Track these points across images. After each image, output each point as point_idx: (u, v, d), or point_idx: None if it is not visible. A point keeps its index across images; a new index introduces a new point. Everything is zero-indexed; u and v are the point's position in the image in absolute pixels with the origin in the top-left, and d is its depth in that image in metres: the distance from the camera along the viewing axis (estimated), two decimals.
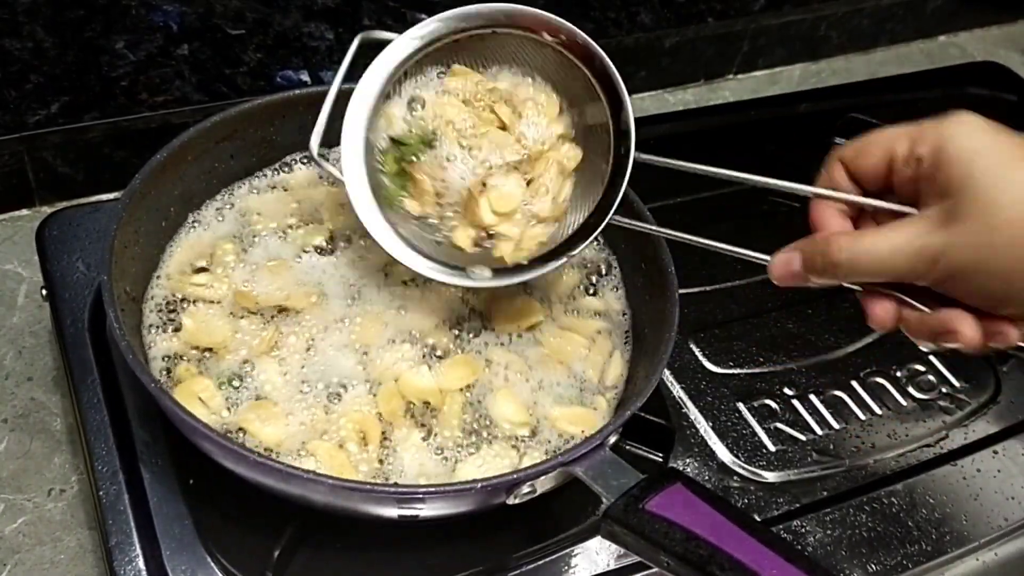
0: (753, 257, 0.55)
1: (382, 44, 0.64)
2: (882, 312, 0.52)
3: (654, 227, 0.63)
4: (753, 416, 0.74)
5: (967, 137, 0.48)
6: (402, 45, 0.64)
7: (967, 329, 0.49)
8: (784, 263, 0.53)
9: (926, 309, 0.50)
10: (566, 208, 0.64)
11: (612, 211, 0.61)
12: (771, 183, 0.58)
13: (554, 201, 0.63)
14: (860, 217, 0.54)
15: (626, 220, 0.62)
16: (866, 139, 0.53)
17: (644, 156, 0.62)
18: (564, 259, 0.61)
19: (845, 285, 0.52)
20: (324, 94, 0.72)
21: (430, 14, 0.88)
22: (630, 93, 0.63)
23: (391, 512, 0.56)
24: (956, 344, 0.50)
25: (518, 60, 0.65)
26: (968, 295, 0.49)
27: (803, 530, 0.68)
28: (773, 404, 0.75)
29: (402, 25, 0.89)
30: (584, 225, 0.62)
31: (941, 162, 0.48)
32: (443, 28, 0.64)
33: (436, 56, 0.64)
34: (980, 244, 0.46)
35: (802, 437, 0.74)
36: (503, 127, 0.64)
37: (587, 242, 0.61)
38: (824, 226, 0.54)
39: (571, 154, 0.64)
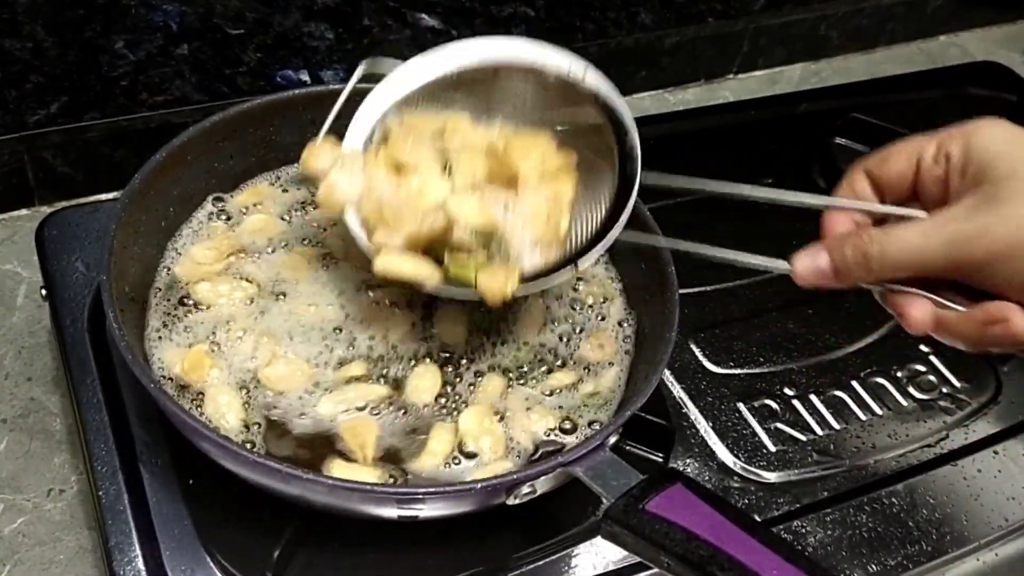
0: (768, 266, 0.54)
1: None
2: (920, 313, 0.50)
3: (663, 240, 0.63)
4: (753, 416, 0.74)
5: (999, 129, 0.49)
6: (404, 74, 0.64)
7: (1019, 317, 0.47)
8: (810, 260, 0.52)
9: (961, 308, 0.49)
10: (565, 236, 0.63)
11: (619, 228, 0.61)
12: (785, 199, 0.57)
13: (554, 231, 0.62)
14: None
15: (635, 236, 0.62)
16: (891, 147, 0.53)
17: (653, 177, 0.62)
18: (569, 268, 0.61)
19: (869, 288, 0.51)
20: (324, 95, 0.72)
21: (429, 14, 0.89)
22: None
23: (391, 512, 0.56)
24: (1006, 337, 0.48)
25: (520, 91, 0.65)
26: (1006, 282, 0.47)
27: (803, 530, 0.68)
28: (773, 404, 0.75)
29: (402, 25, 0.89)
30: (591, 241, 0.62)
31: (972, 155, 0.49)
32: (446, 64, 0.63)
33: (435, 88, 0.64)
34: (1020, 224, 0.46)
35: (802, 437, 0.74)
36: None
37: (593, 258, 0.61)
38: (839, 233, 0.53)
39: (566, 188, 0.63)
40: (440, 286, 0.61)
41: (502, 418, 0.63)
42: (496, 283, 0.59)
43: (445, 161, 0.62)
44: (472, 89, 0.64)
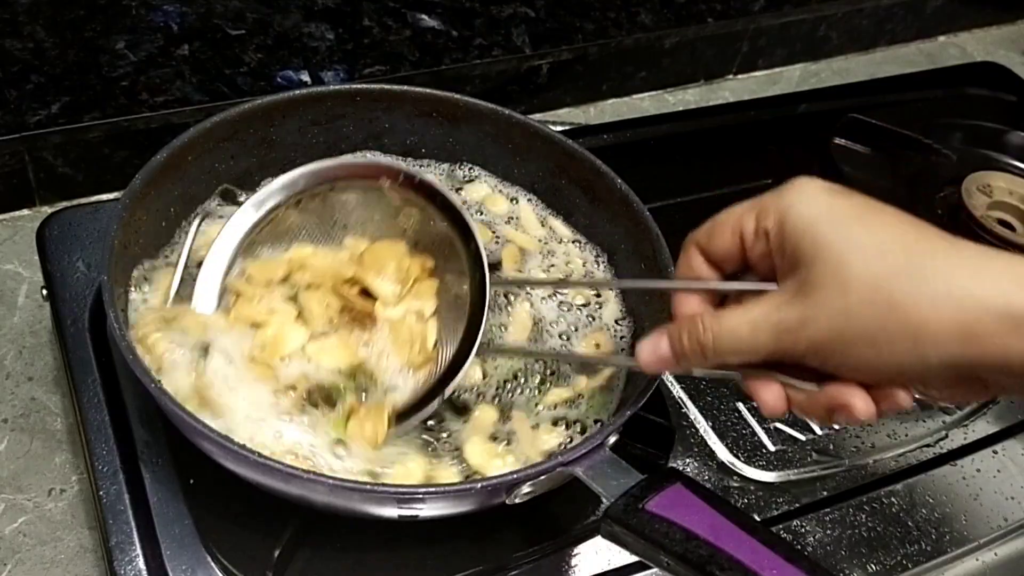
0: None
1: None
2: (771, 397, 0.49)
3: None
4: (753, 416, 0.74)
5: (806, 204, 0.47)
6: (242, 218, 0.64)
7: (858, 401, 0.47)
8: (652, 349, 0.51)
9: (812, 386, 0.48)
10: (434, 349, 0.63)
11: (478, 341, 0.60)
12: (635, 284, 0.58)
13: (421, 349, 0.62)
14: (724, 303, 0.52)
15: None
16: (715, 220, 0.51)
17: (500, 279, 0.64)
18: (438, 399, 0.60)
19: (720, 373, 0.50)
20: (324, 95, 0.72)
21: (429, 15, 0.89)
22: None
23: (391, 512, 0.56)
24: (850, 421, 0.47)
25: (361, 205, 0.66)
26: (842, 368, 0.46)
27: (803, 530, 0.68)
28: None
29: (402, 26, 0.89)
30: (455, 357, 0.62)
31: (786, 233, 0.47)
32: (280, 196, 0.64)
33: (278, 223, 0.65)
34: (836, 311, 0.45)
35: (802, 437, 0.74)
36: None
37: (459, 376, 0.60)
38: (688, 314, 0.52)
39: (427, 301, 0.64)
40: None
41: (509, 442, 0.63)
42: (366, 432, 0.59)
43: (298, 305, 0.63)
44: (313, 215, 0.65)
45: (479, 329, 0.61)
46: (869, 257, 0.45)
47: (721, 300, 0.53)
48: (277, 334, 0.61)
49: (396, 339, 0.62)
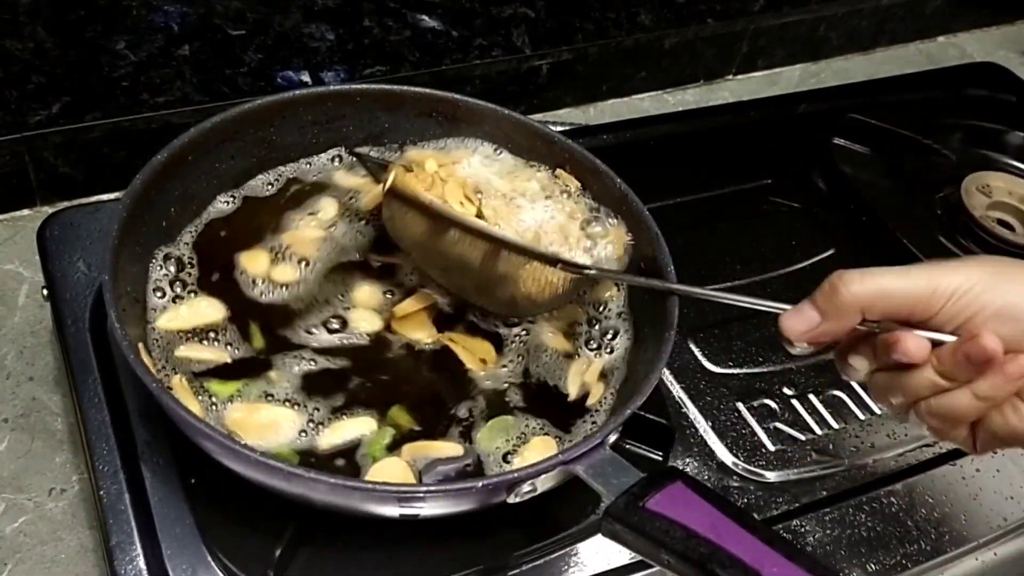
0: (772, 307, 0.55)
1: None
2: (913, 345, 0.50)
3: (673, 285, 0.63)
4: (753, 416, 0.74)
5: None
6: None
7: (999, 345, 0.48)
8: (795, 313, 0.53)
9: (950, 337, 0.50)
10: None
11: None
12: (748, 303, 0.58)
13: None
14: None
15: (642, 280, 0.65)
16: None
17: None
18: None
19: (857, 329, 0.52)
20: (324, 95, 0.72)
21: (429, 15, 0.89)
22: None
23: (392, 511, 0.56)
24: (990, 367, 0.49)
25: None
26: (975, 313, 0.49)
27: (802, 529, 0.68)
28: (772, 404, 0.76)
29: (402, 26, 0.89)
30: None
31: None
32: None
33: None
34: (983, 261, 0.50)
35: (801, 437, 0.74)
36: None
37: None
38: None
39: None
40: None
41: None
42: None
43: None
44: None
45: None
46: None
47: None
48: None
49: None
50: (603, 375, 0.67)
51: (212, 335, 0.64)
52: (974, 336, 0.48)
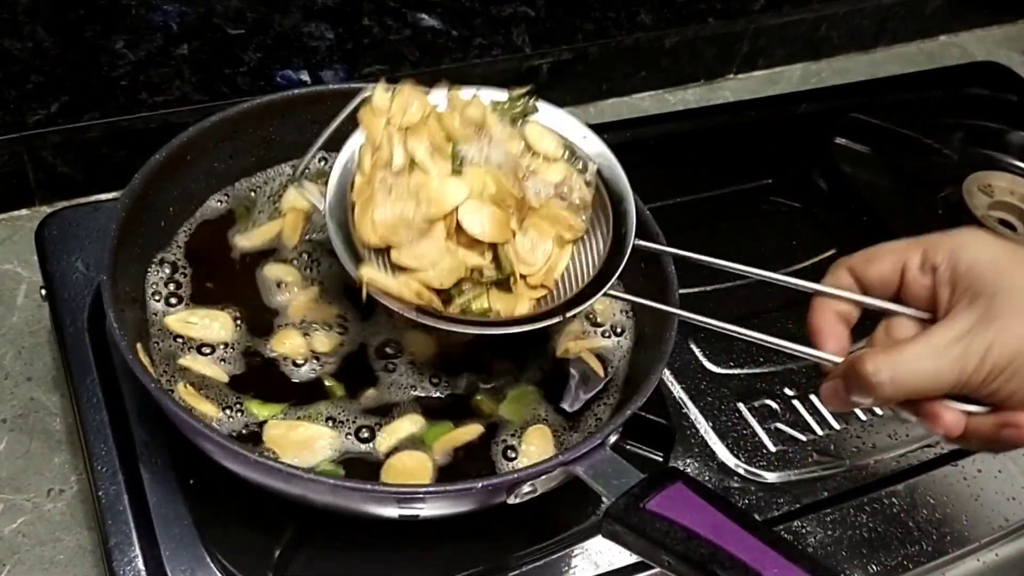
0: (816, 356, 0.54)
1: None
2: (951, 418, 0.50)
3: (675, 310, 0.62)
4: (753, 416, 0.74)
5: (981, 244, 0.51)
6: None
7: None
8: (831, 391, 0.53)
9: (982, 408, 0.50)
10: (556, 280, 0.63)
11: (609, 284, 0.61)
12: (781, 279, 0.58)
13: (548, 269, 0.62)
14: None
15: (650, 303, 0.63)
16: (875, 249, 0.54)
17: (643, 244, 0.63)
18: (559, 318, 0.60)
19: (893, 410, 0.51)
20: (324, 94, 0.72)
21: (429, 15, 0.89)
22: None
23: (392, 512, 0.56)
24: (1019, 438, 0.49)
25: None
26: (1009, 396, 0.48)
27: (803, 530, 0.68)
28: (773, 404, 0.75)
29: (402, 25, 0.89)
30: (579, 294, 0.62)
31: (960, 270, 0.50)
32: None
33: None
34: (1020, 335, 0.47)
35: (802, 437, 0.74)
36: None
37: (582, 307, 0.60)
38: (821, 333, 0.54)
39: (572, 221, 0.63)
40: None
41: None
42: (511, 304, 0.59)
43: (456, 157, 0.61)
44: None
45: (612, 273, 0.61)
46: None
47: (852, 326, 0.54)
48: (439, 183, 0.60)
49: (531, 252, 0.62)
50: (600, 357, 0.67)
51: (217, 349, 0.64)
52: (1014, 424, 0.49)
